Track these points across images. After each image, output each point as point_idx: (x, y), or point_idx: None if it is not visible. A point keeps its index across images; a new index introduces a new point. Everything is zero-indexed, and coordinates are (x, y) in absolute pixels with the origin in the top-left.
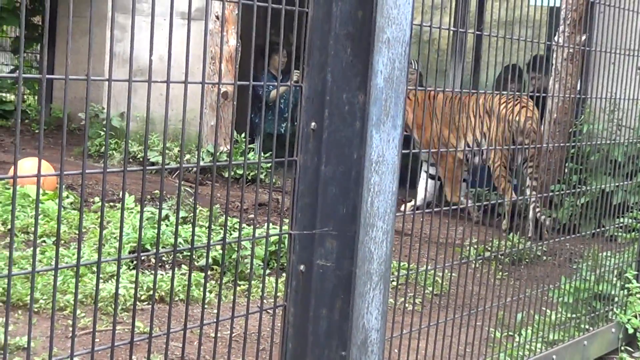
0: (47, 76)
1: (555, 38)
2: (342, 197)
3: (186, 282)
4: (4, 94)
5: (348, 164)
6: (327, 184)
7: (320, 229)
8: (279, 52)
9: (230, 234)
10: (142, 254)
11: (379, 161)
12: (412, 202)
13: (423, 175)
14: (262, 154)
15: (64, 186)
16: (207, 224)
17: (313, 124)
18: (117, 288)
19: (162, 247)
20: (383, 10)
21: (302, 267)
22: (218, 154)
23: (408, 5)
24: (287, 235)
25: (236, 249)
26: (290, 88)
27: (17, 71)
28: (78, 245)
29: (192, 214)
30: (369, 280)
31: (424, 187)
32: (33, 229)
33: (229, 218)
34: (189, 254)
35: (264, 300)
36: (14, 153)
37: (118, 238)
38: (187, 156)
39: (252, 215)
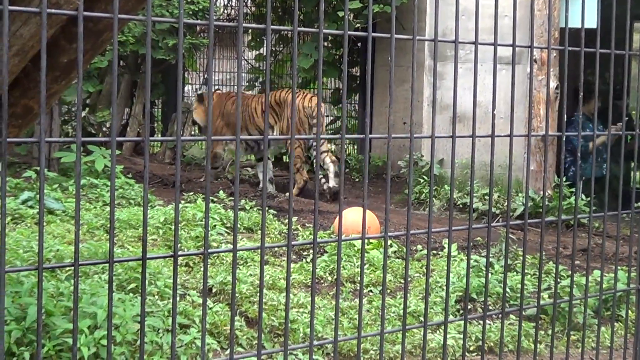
0: (370, 136)
1: None
2: None
3: (515, 333)
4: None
5: None
6: None
7: None
8: (594, 96)
9: (559, 282)
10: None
11: None
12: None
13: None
14: (584, 199)
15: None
16: (532, 272)
17: None
18: (445, 339)
19: (489, 297)
20: None
21: None
22: (539, 199)
23: None
24: (634, 290)
25: (563, 297)
26: (608, 136)
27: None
28: (403, 314)
29: (516, 262)
30: None
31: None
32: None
33: (548, 264)
34: (516, 302)
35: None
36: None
37: (444, 287)
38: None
39: (576, 262)
